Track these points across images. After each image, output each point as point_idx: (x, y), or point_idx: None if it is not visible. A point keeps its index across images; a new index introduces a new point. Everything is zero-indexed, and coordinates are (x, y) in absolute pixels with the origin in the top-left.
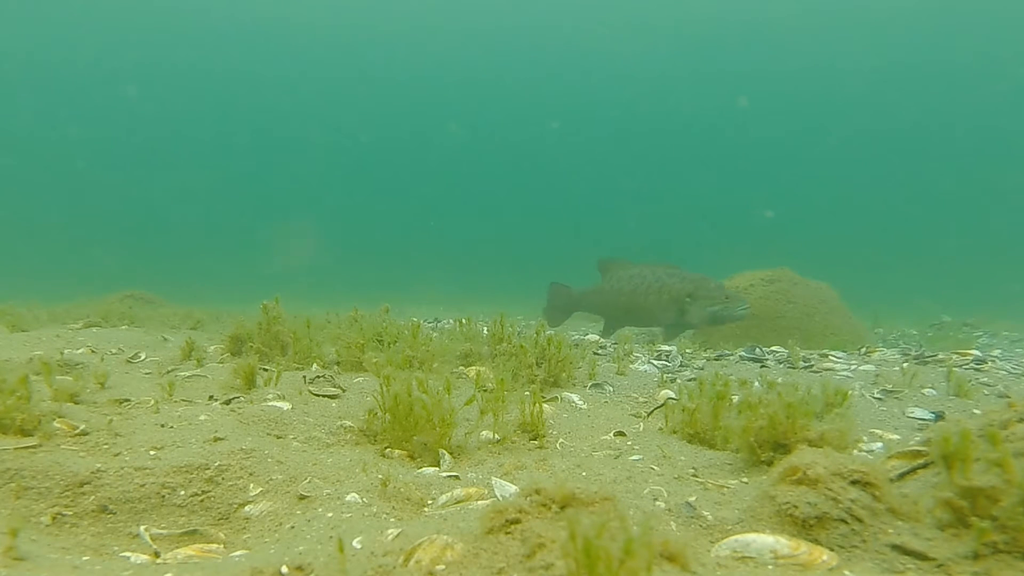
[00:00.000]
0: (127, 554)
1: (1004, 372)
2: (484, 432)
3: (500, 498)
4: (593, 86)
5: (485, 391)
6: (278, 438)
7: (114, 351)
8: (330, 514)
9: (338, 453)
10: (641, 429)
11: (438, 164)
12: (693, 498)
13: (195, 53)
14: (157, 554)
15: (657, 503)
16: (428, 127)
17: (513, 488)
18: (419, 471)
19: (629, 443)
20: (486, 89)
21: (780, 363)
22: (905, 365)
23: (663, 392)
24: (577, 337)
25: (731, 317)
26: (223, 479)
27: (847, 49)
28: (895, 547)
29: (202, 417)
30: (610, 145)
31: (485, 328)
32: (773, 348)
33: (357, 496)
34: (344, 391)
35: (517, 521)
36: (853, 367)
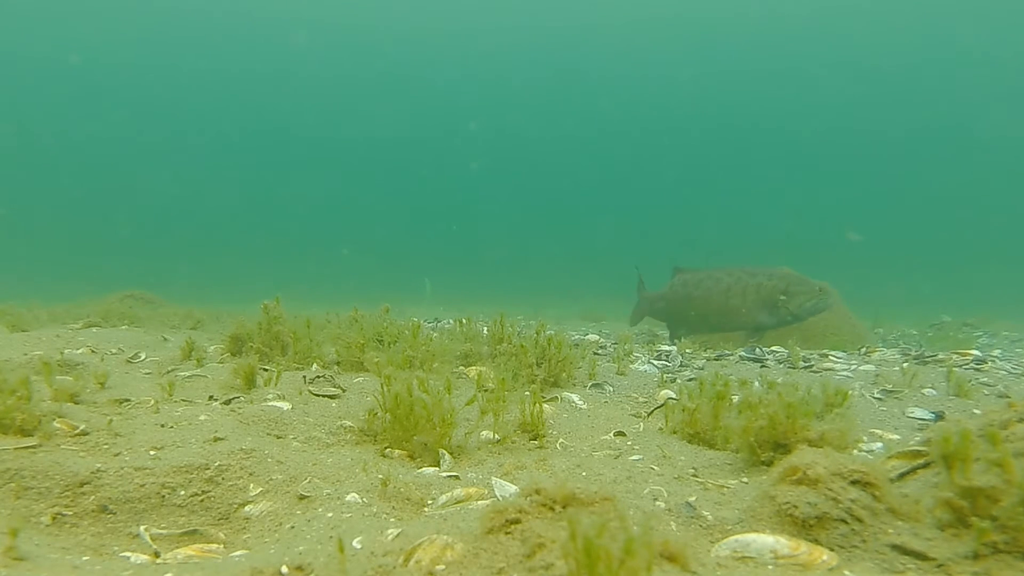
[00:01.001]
0: (127, 554)
1: (1004, 372)
2: (484, 432)
3: (500, 498)
4: (592, 87)
5: (485, 391)
6: (278, 438)
7: (114, 351)
8: (330, 514)
9: (338, 453)
10: (641, 429)
11: (439, 164)
12: (693, 498)
13: (195, 53)
14: (157, 554)
15: (657, 503)
16: (432, 128)
17: (513, 488)
18: (419, 471)
19: (629, 443)
20: (488, 90)
21: (780, 363)
22: (905, 365)
23: (663, 392)
24: (577, 337)
25: (825, 308)
26: (223, 479)
27: (850, 49)
28: (895, 547)
29: (202, 417)
30: (608, 146)
31: (485, 328)
32: (773, 348)
33: (357, 496)
34: (344, 391)
35: (517, 521)
36: (853, 367)
